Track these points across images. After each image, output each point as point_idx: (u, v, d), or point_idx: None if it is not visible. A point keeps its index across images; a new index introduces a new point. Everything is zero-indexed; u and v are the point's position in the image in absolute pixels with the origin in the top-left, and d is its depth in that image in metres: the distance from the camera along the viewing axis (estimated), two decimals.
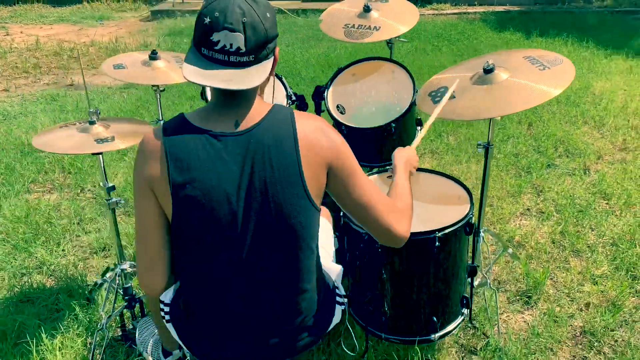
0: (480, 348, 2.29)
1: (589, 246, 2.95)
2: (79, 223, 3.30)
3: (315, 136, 1.38)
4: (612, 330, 2.37)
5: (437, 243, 1.93)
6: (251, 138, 1.34)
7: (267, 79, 1.42)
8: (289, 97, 2.61)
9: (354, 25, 2.65)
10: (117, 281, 2.29)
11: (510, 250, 2.59)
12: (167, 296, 1.63)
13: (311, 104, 2.75)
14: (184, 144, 1.33)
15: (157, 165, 1.33)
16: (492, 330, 2.35)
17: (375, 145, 2.45)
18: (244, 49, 1.28)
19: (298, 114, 1.40)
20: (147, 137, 1.38)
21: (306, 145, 1.36)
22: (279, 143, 1.34)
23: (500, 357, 2.22)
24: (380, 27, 2.60)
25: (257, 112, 1.37)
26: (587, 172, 3.79)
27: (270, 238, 1.38)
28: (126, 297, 2.33)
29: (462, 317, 2.19)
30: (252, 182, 1.33)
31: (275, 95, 2.64)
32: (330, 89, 2.54)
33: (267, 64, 1.35)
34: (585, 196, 3.45)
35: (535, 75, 2.07)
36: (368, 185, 1.47)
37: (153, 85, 2.37)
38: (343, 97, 2.52)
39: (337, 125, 2.41)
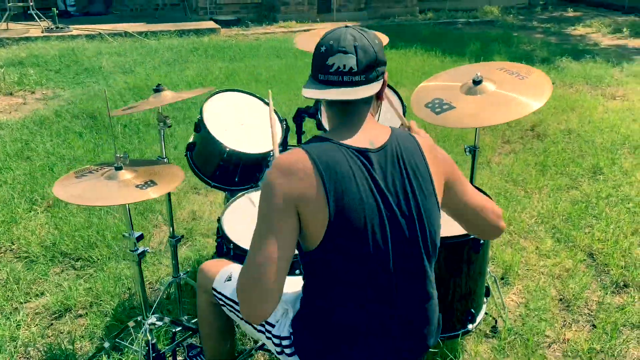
0: (491, 330, 2.54)
1: (529, 227, 3.43)
2: (21, 288, 2.86)
3: (433, 150, 1.54)
4: (581, 294, 2.81)
5: (481, 241, 2.13)
6: (387, 153, 1.44)
7: (379, 103, 1.58)
8: (281, 121, 2.61)
9: None
10: (149, 337, 2.09)
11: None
12: (283, 329, 1.59)
13: (292, 125, 2.79)
14: (334, 160, 1.38)
15: (310, 183, 1.36)
16: (500, 312, 2.63)
17: None
18: (356, 69, 1.42)
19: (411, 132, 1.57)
20: (290, 158, 1.40)
21: (430, 158, 1.51)
22: (412, 157, 1.47)
23: (516, 333, 2.50)
24: None
25: (382, 132, 1.49)
26: (491, 164, 4.35)
27: (413, 246, 1.46)
28: (153, 354, 2.14)
29: (485, 305, 2.42)
30: (398, 192, 1.43)
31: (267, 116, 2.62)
32: (322, 110, 2.60)
33: (376, 85, 1.47)
34: (504, 185, 3.97)
35: (518, 84, 2.39)
36: (474, 190, 1.64)
37: (159, 122, 2.20)
38: None
39: None
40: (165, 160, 2.27)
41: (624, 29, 9.96)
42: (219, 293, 1.80)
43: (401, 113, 2.62)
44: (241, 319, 1.76)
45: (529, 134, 5.01)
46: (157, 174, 1.94)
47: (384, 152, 1.44)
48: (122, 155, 1.89)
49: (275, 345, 1.61)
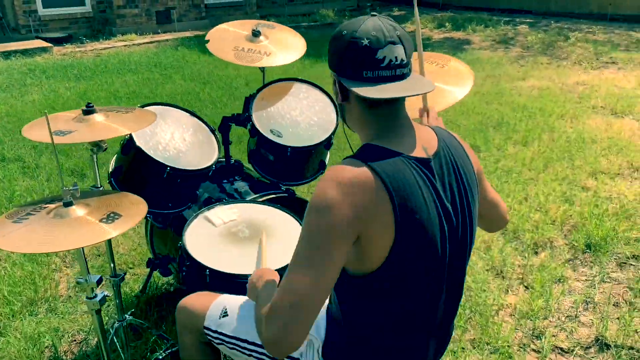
0: None
1: None
2: None
3: (466, 145, 1.47)
4: (506, 261, 3.05)
5: None
6: (442, 160, 1.34)
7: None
8: (212, 131, 2.43)
9: (243, 48, 2.61)
10: None
11: None
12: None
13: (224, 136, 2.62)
14: (402, 175, 1.24)
15: (377, 203, 1.21)
16: None
17: (317, 161, 2.53)
18: (405, 60, 1.28)
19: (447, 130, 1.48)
20: (352, 172, 1.22)
21: (471, 156, 1.44)
22: (461, 160, 1.39)
23: (468, 308, 2.63)
24: (270, 52, 2.63)
25: (429, 134, 1.38)
26: None
27: (464, 257, 1.41)
28: None
29: None
30: (456, 202, 1.34)
31: (202, 131, 2.41)
32: (254, 118, 2.46)
33: (415, 74, 1.35)
34: None
35: (441, 74, 2.50)
36: (490, 185, 1.60)
37: (92, 147, 1.88)
38: (271, 121, 2.49)
39: (281, 148, 2.38)
40: (102, 188, 1.97)
41: (447, 24, 11.06)
42: (215, 332, 1.61)
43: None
44: (249, 355, 1.58)
45: None
46: (114, 204, 1.67)
47: (439, 160, 1.33)
48: (71, 188, 1.60)
49: None
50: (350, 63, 1.27)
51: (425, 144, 1.33)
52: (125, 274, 2.16)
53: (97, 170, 1.97)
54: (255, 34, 2.65)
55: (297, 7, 13.00)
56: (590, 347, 2.42)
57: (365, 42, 1.25)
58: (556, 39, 9.16)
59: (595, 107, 5.61)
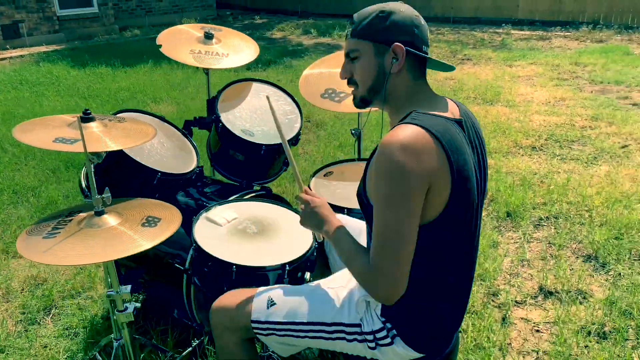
0: None
1: None
2: None
3: None
4: None
5: None
6: (467, 123, 1.54)
7: None
8: (184, 135, 2.37)
9: (200, 51, 2.58)
10: None
11: None
12: (373, 322, 1.56)
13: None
14: (450, 133, 1.41)
15: (436, 156, 1.35)
16: None
17: (284, 157, 2.58)
18: None
19: None
20: (411, 135, 1.35)
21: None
22: (477, 126, 1.60)
23: None
24: (227, 54, 2.64)
25: (451, 103, 1.57)
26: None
27: (482, 207, 1.61)
28: None
29: None
30: (480, 160, 1.54)
31: (175, 136, 2.34)
32: (222, 119, 2.46)
33: None
34: None
35: None
36: None
37: (92, 154, 1.74)
38: (240, 121, 2.50)
39: (255, 147, 2.41)
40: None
41: (312, 30, 11.50)
42: (265, 322, 1.61)
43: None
44: (303, 337, 1.61)
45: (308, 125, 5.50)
46: (147, 209, 1.61)
47: (465, 121, 1.50)
48: (103, 196, 1.51)
49: (369, 341, 1.55)
50: (418, 39, 1.48)
51: (452, 109, 1.53)
52: None
53: (94, 182, 1.84)
54: (208, 36, 2.64)
55: (156, 17, 12.60)
56: (537, 296, 2.78)
57: (418, 21, 1.50)
58: None
59: (469, 97, 6.28)
